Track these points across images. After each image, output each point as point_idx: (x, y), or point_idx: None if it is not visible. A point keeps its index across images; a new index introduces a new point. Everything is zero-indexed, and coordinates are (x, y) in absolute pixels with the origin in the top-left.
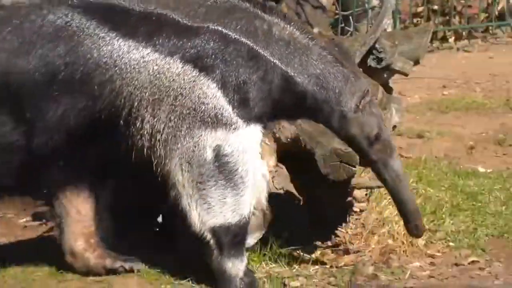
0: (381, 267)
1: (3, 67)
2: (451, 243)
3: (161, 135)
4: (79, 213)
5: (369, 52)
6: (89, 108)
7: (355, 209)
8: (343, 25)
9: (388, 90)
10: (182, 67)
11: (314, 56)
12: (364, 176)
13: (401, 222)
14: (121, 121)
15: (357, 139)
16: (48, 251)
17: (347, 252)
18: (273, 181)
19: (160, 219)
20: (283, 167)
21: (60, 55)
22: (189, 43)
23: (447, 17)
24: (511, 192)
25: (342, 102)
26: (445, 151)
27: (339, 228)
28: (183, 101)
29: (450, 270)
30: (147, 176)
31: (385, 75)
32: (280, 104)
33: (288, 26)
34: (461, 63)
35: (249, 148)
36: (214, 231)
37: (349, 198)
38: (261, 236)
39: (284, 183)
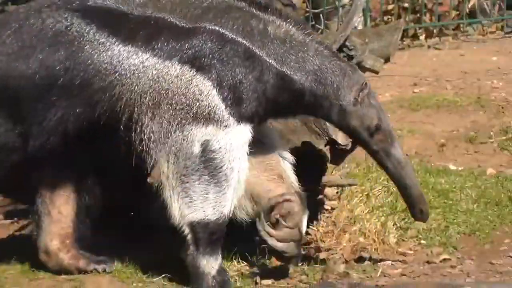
0: (353, 265)
1: (2, 70)
2: (422, 241)
3: (155, 132)
4: (60, 213)
5: (340, 49)
6: (87, 113)
7: (326, 207)
8: (313, 23)
9: None
10: (180, 68)
11: (310, 52)
12: (335, 174)
13: (372, 220)
14: (121, 126)
15: (358, 131)
16: (20, 250)
17: (318, 249)
18: None
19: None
20: None
21: (60, 60)
22: (187, 45)
23: (418, 15)
24: (483, 190)
25: (341, 96)
26: (416, 149)
27: (310, 226)
28: (178, 98)
29: (422, 268)
30: (131, 176)
31: None
32: (277, 102)
33: (284, 23)
34: (432, 61)
35: (236, 146)
36: (193, 226)
37: (320, 196)
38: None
39: None
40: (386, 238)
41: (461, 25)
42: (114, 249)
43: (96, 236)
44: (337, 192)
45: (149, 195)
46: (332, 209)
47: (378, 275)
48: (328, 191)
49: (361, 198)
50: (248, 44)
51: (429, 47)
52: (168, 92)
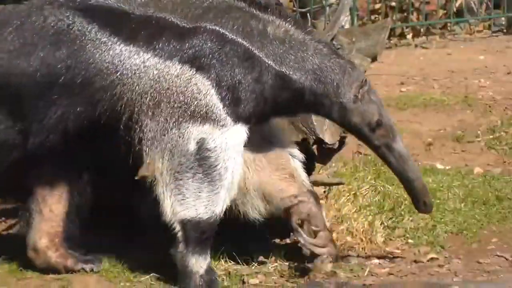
0: (340, 264)
1: (4, 68)
2: (410, 240)
3: (152, 130)
4: (51, 212)
5: None
6: (88, 112)
7: None
8: None
9: None
10: (181, 68)
11: (310, 51)
12: (322, 173)
13: (360, 219)
14: (121, 126)
15: (359, 128)
16: (7, 249)
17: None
18: None
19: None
20: None
21: (62, 58)
22: (187, 44)
23: (405, 14)
24: (470, 189)
25: (341, 94)
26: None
27: None
28: (177, 96)
29: (409, 267)
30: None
31: None
32: (276, 102)
33: (284, 22)
34: (419, 60)
35: (232, 147)
36: (184, 223)
37: None
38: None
39: None
40: (373, 238)
41: (448, 24)
42: (102, 249)
43: (85, 235)
44: (324, 191)
45: (139, 194)
46: None
47: (365, 274)
48: (316, 190)
49: (348, 197)
50: (247, 45)
51: (416, 46)
52: (167, 91)
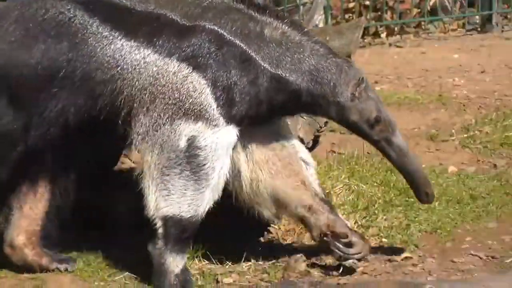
0: (314, 263)
1: (5, 59)
2: (384, 239)
3: (146, 124)
4: (31, 210)
5: None
6: (88, 105)
7: None
8: None
9: None
10: (178, 65)
11: (306, 53)
12: None
13: None
14: (120, 121)
15: (358, 125)
16: None
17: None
18: None
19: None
20: None
21: (63, 51)
22: (186, 42)
23: (379, 13)
24: (444, 187)
25: (338, 93)
26: None
27: (271, 224)
28: (172, 93)
29: (383, 266)
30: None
31: None
32: (272, 104)
33: (281, 24)
34: (393, 59)
35: (221, 147)
36: (166, 220)
37: None
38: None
39: None
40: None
41: (423, 23)
42: (77, 248)
43: (61, 234)
44: None
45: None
46: None
47: (339, 273)
48: None
49: None
50: (245, 47)
51: (390, 45)
52: (163, 88)
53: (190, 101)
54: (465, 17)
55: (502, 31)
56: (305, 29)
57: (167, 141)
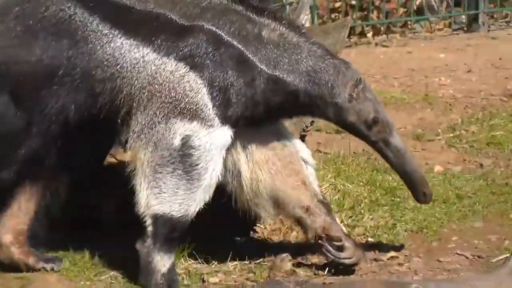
0: (300, 262)
1: (5, 55)
2: (370, 239)
3: (141, 122)
4: (20, 209)
5: None
6: (88, 104)
7: None
8: None
9: None
10: (176, 64)
11: (304, 54)
12: None
13: None
14: (119, 120)
15: (356, 126)
16: None
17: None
18: None
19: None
20: None
21: (63, 48)
22: (184, 42)
23: (365, 12)
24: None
25: (336, 94)
26: (364, 146)
27: (257, 224)
28: (168, 92)
29: (369, 266)
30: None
31: None
32: (269, 106)
33: (279, 26)
34: (379, 58)
35: (215, 148)
36: (156, 218)
37: None
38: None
39: None
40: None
41: (409, 22)
42: (64, 247)
43: (49, 234)
44: None
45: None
46: None
47: (325, 273)
48: None
49: None
50: (242, 49)
51: (376, 44)
52: (160, 86)
53: (186, 100)
54: (452, 16)
55: (489, 30)
56: (303, 31)
57: (162, 139)
